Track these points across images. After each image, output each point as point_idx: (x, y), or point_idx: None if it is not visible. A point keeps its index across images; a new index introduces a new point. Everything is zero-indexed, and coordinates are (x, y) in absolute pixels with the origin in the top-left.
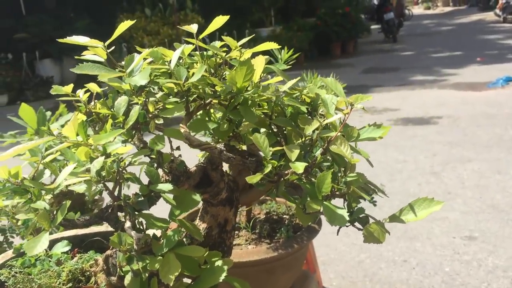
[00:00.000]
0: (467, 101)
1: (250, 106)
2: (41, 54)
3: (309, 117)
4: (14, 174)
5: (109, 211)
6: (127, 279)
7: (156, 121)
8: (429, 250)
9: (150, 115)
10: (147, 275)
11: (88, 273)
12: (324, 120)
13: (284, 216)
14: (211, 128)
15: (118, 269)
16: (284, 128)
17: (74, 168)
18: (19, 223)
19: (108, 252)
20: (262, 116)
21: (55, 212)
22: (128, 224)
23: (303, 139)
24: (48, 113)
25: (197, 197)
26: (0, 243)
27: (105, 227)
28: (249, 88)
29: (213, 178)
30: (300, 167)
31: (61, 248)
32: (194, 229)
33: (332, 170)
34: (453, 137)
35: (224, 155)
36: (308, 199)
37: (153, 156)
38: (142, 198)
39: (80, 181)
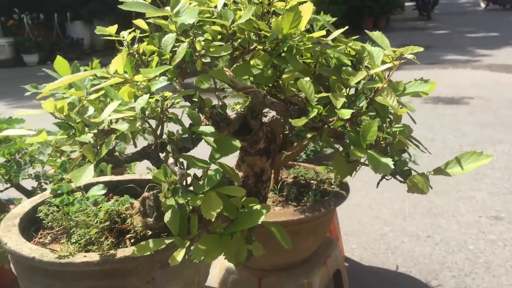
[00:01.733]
0: (501, 83)
1: (295, 55)
2: (72, 16)
3: (353, 70)
4: (60, 108)
5: (152, 148)
6: (167, 216)
7: (203, 60)
8: (454, 228)
9: (197, 54)
10: (190, 207)
11: (123, 215)
12: (370, 70)
13: (312, 181)
14: (255, 74)
15: (155, 210)
16: (327, 80)
17: (118, 106)
18: (62, 158)
19: (145, 194)
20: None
21: (99, 147)
22: (171, 160)
23: (348, 91)
24: (82, 68)
25: (237, 143)
26: (34, 189)
27: (138, 176)
28: (295, 36)
29: (253, 126)
30: (346, 113)
31: (97, 191)
32: (233, 173)
33: (377, 119)
34: (484, 118)
35: (268, 99)
36: (352, 147)
37: (195, 99)
38: (186, 135)
39: (125, 117)
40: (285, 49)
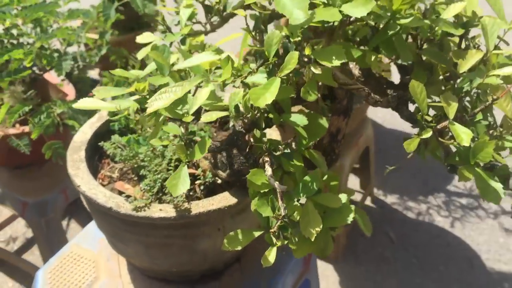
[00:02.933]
0: None
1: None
2: None
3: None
4: (142, 89)
5: (240, 138)
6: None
7: (314, 70)
8: None
9: (305, 59)
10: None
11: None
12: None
13: None
14: (356, 56)
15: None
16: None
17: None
18: (153, 147)
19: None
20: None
21: (186, 140)
22: (269, 171)
23: (455, 82)
24: None
25: (324, 122)
26: (71, 68)
27: None
28: (405, 14)
29: (338, 95)
30: (465, 137)
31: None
32: (319, 159)
33: (494, 140)
34: None
35: (371, 98)
36: (457, 159)
37: None
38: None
39: (218, 114)
40: (395, 31)
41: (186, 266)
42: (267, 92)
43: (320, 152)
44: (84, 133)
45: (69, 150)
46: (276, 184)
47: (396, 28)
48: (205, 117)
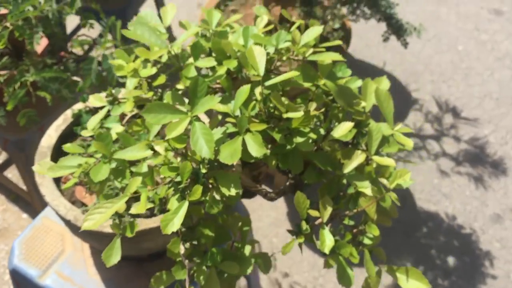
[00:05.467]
0: None
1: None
2: None
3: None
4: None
5: None
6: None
7: (215, 196)
8: (452, 20)
9: (210, 186)
10: None
11: None
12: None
13: None
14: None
15: None
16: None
17: None
18: None
19: None
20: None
21: None
22: None
23: (337, 179)
24: None
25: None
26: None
27: None
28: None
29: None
30: (328, 244)
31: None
32: (231, 223)
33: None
34: None
35: (268, 196)
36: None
37: None
38: None
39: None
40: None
41: (134, 254)
42: (175, 217)
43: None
44: (50, 137)
45: (36, 155)
46: (186, 262)
47: (292, 144)
48: (134, 209)
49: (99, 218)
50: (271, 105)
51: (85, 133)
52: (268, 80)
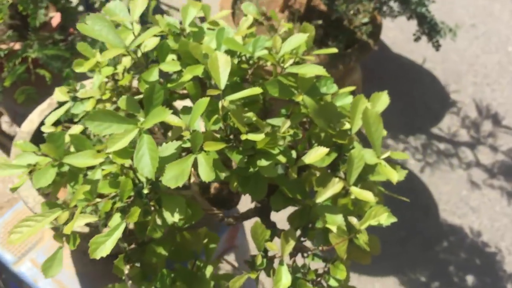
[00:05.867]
0: None
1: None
2: None
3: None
4: None
5: None
6: None
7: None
8: (505, 18)
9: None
10: None
11: None
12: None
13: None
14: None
15: None
16: None
17: None
18: None
19: None
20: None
21: None
22: None
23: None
24: None
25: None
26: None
27: None
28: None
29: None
30: (284, 283)
31: None
32: (192, 240)
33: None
34: None
35: (225, 221)
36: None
37: None
38: None
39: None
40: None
41: None
42: (108, 239)
43: (220, 201)
44: (31, 122)
45: (14, 141)
46: (130, 283)
47: (256, 167)
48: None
49: (26, 232)
50: (230, 123)
51: (44, 129)
52: (231, 94)
